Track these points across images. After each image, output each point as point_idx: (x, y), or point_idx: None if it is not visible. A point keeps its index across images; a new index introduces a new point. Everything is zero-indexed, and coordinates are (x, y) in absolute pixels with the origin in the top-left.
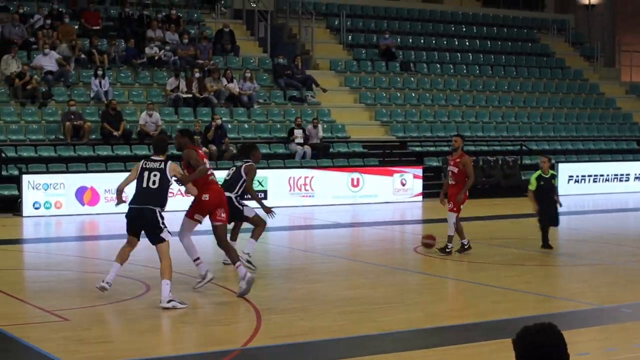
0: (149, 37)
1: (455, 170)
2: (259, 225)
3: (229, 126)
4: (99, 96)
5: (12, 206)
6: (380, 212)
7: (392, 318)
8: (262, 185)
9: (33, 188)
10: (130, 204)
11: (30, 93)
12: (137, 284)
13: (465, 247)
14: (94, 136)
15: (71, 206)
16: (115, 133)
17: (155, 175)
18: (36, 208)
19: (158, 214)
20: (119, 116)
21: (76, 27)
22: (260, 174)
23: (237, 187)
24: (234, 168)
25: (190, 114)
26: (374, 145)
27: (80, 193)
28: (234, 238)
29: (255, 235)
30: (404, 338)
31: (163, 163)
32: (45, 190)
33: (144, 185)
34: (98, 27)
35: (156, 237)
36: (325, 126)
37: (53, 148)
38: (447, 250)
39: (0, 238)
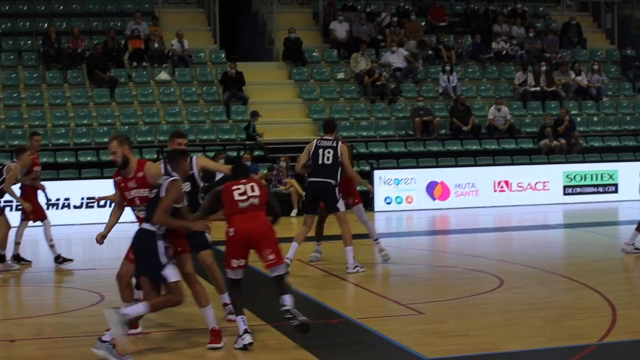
0: (495, 31)
1: None
2: None
3: (578, 119)
4: (448, 92)
5: (365, 201)
6: None
7: None
8: (612, 179)
9: (384, 183)
10: None
11: (379, 90)
12: (490, 278)
13: None
14: (443, 131)
15: (422, 201)
16: (464, 128)
17: None
18: (387, 203)
19: None
20: (468, 111)
21: (423, 23)
22: (610, 167)
23: None
24: None
25: (538, 107)
26: None
27: (430, 188)
28: None
29: None
30: None
31: None
32: (397, 185)
33: None
34: (444, 23)
35: None
36: None
37: (403, 143)
38: None
39: (355, 233)
